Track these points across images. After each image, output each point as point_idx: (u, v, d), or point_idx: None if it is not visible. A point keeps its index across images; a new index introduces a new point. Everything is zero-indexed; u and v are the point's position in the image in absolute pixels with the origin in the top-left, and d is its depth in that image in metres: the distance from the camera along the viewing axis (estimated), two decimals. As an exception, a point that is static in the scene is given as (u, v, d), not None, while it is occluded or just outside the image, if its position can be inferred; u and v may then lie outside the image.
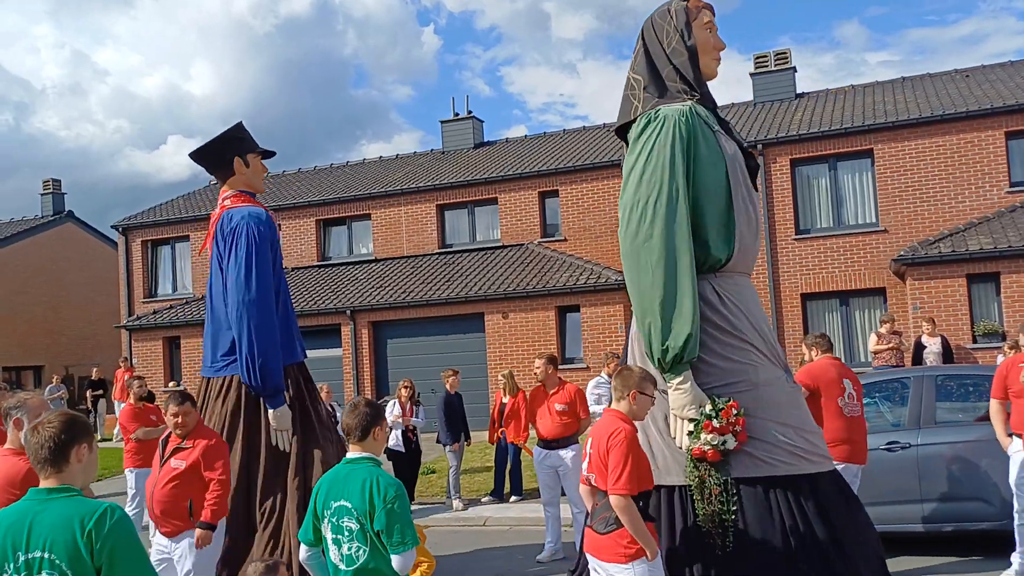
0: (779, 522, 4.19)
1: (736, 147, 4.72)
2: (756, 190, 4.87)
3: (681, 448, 4.39)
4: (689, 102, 4.57)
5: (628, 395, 4.09)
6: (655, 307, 4.32)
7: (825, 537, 4.19)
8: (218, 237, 6.45)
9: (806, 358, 6.55)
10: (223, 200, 6.73)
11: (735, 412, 4.28)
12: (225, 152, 6.72)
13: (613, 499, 3.85)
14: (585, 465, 4.16)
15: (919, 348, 13.24)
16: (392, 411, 10.94)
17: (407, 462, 11.07)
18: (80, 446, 2.85)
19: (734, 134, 4.79)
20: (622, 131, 4.89)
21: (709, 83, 4.88)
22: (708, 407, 4.32)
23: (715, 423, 4.23)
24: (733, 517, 4.25)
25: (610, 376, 8.47)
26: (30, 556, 2.68)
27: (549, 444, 7.93)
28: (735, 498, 4.24)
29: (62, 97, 73.39)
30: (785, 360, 4.69)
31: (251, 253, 6.17)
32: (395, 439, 10.93)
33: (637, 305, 4.45)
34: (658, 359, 4.37)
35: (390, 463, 10.73)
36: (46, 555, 2.67)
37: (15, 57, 75.20)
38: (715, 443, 4.23)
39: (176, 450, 5.09)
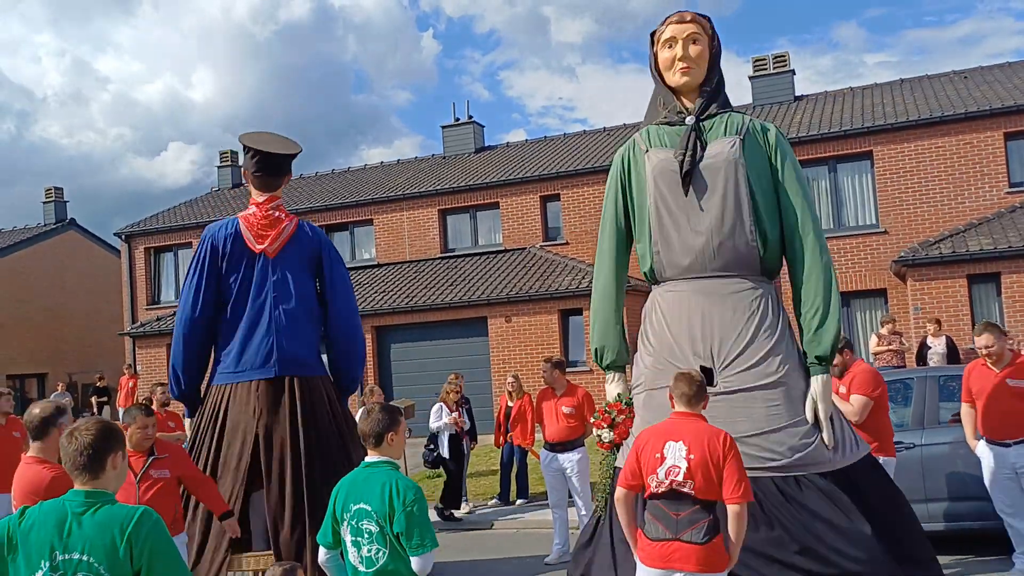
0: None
1: (663, 156, 4.84)
2: (713, 188, 4.77)
3: None
4: (642, 130, 5.09)
5: (705, 399, 4.05)
6: (592, 318, 5.25)
7: None
8: (304, 245, 6.60)
9: (848, 361, 6.56)
10: (279, 207, 6.67)
11: (613, 412, 4.89)
12: (282, 159, 6.79)
13: (735, 508, 3.76)
14: (667, 471, 3.87)
15: (924, 348, 13.30)
16: (440, 416, 10.55)
17: (457, 470, 10.43)
18: (116, 454, 2.95)
19: (689, 139, 4.77)
20: None
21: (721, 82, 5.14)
22: (605, 403, 4.97)
23: (595, 418, 4.93)
24: (604, 503, 4.88)
25: None
26: (68, 557, 2.77)
27: (555, 447, 8.00)
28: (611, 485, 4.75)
29: (64, 105, 73.57)
30: (729, 365, 4.61)
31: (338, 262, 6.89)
32: (441, 445, 10.42)
33: None
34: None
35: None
36: (84, 558, 2.76)
37: (17, 66, 75.42)
38: (598, 433, 4.94)
39: (153, 461, 5.17)
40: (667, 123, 4.95)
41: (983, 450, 6.37)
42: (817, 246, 4.80)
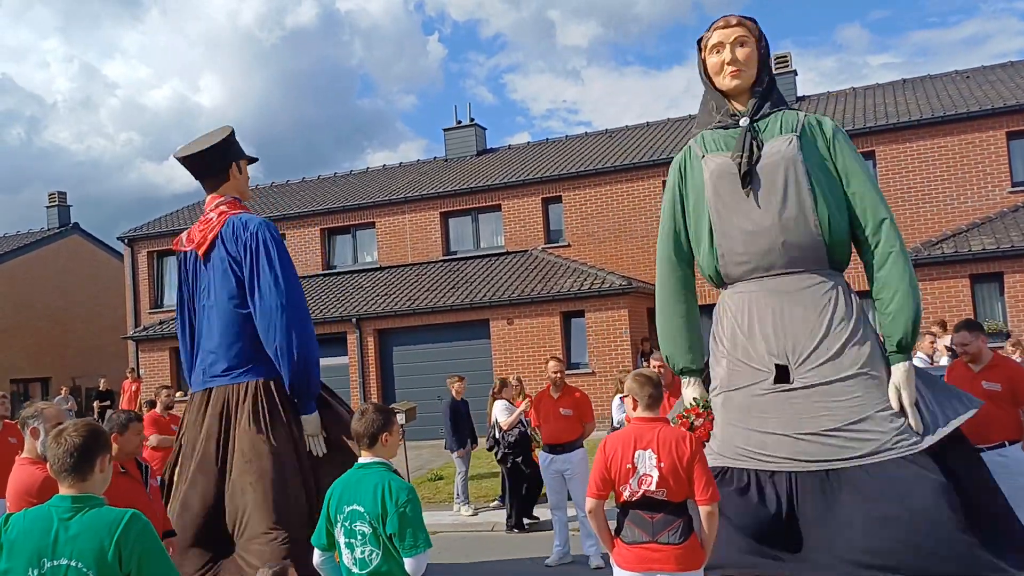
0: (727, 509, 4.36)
1: (721, 160, 4.84)
2: (774, 184, 4.73)
3: None
4: (699, 135, 5.08)
5: (662, 399, 4.13)
6: (659, 327, 5.17)
7: (768, 529, 4.32)
8: (228, 243, 6.34)
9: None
10: (218, 206, 6.53)
11: (691, 416, 4.80)
12: (226, 157, 6.62)
13: (706, 509, 3.86)
14: (639, 480, 3.91)
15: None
16: (504, 413, 9.89)
17: (534, 475, 9.48)
18: (104, 456, 2.92)
19: (745, 140, 4.79)
20: None
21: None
22: (687, 404, 4.91)
23: (680, 422, 4.80)
24: None
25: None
26: (56, 563, 2.74)
27: (555, 448, 7.98)
28: None
29: (73, 111, 73.88)
30: (807, 360, 4.55)
31: (286, 259, 6.28)
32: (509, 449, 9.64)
33: None
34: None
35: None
36: (73, 563, 2.73)
37: (26, 72, 75.77)
38: None
39: (145, 469, 5.06)
40: (721, 127, 4.96)
41: None
42: (892, 231, 4.74)
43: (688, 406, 4.87)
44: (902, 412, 4.43)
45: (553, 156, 21.54)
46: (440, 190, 20.84)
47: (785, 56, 21.03)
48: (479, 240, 20.95)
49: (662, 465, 3.89)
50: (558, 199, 19.84)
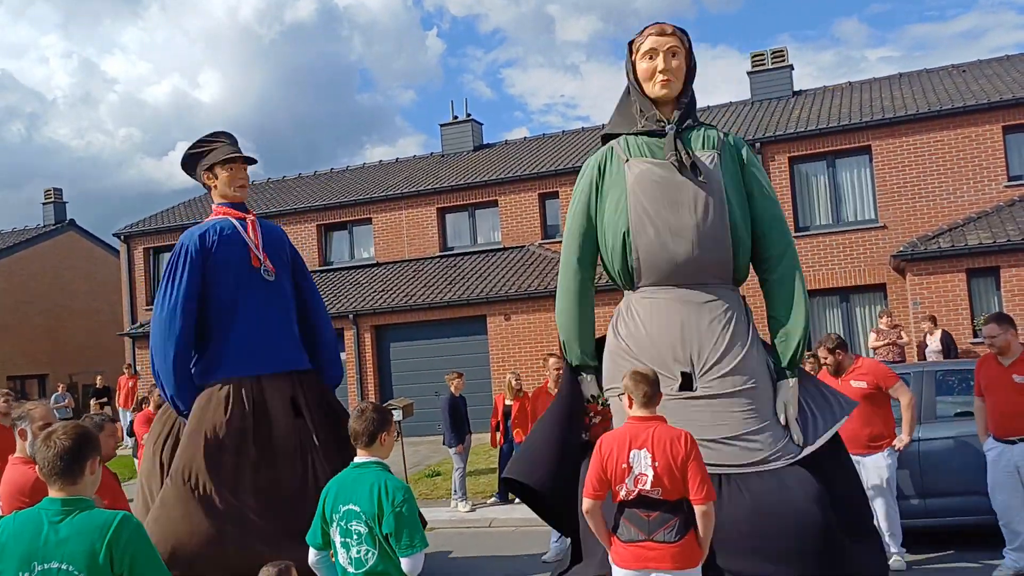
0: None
1: (652, 165, 4.90)
2: (699, 197, 4.84)
3: None
4: (621, 137, 5.14)
5: (659, 398, 4.11)
6: (557, 321, 5.35)
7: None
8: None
9: None
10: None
11: (590, 412, 5.02)
12: (194, 171, 6.79)
13: (701, 508, 3.86)
14: (635, 480, 3.91)
15: (924, 347, 13.28)
16: None
17: None
18: (94, 459, 2.90)
19: (677, 146, 4.87)
20: None
21: (702, 85, 5.13)
22: (588, 399, 5.08)
23: (585, 413, 5.04)
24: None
25: None
26: (47, 567, 2.72)
27: None
28: None
29: (73, 107, 73.77)
30: (709, 370, 4.72)
31: (166, 271, 6.55)
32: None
33: None
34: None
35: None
36: (64, 566, 2.71)
37: (26, 68, 75.64)
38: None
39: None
40: (645, 133, 5.02)
41: (989, 446, 6.34)
42: (793, 255, 5.06)
43: (591, 401, 5.06)
44: (787, 426, 4.74)
45: (550, 151, 21.52)
46: (437, 186, 20.81)
47: (781, 51, 21.03)
48: (476, 236, 20.94)
49: (657, 464, 3.90)
50: (555, 194, 19.82)
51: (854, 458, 6.64)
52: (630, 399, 4.09)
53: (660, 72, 4.93)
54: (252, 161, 6.81)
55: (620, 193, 4.95)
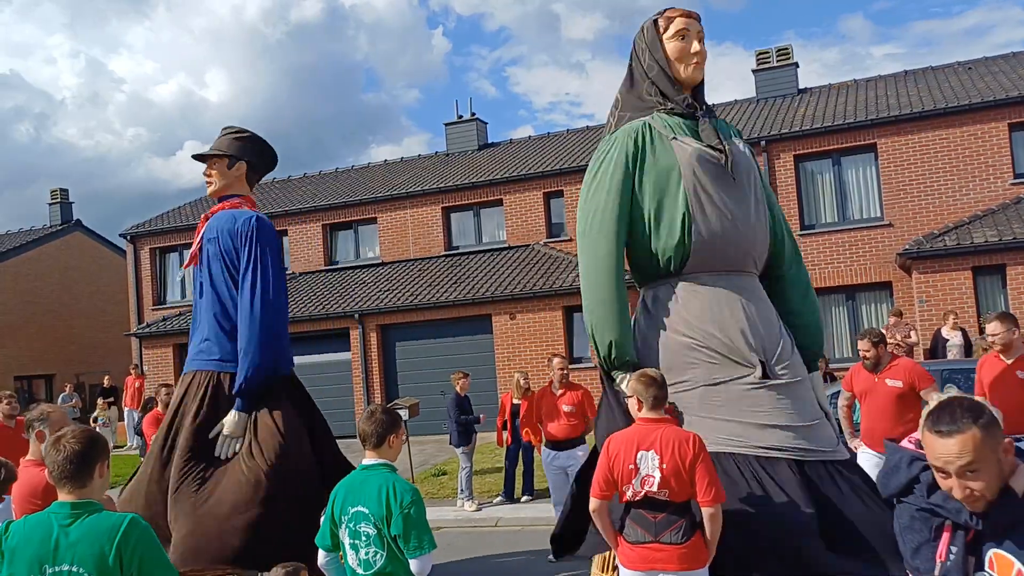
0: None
1: (700, 146, 4.66)
2: (748, 183, 4.76)
3: None
4: (649, 116, 4.80)
5: (666, 400, 4.08)
6: (588, 312, 4.70)
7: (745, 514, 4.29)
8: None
9: None
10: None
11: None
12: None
13: (709, 510, 3.82)
14: (642, 481, 3.88)
15: (940, 341, 13.24)
16: None
17: None
18: (103, 462, 2.93)
19: (717, 133, 4.72)
20: None
21: (708, 82, 5.03)
22: None
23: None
24: None
25: None
26: (57, 569, 2.75)
27: (559, 445, 8.01)
28: None
29: (81, 107, 74.07)
30: (776, 357, 4.60)
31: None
32: None
33: (584, 309, 4.83)
34: (602, 360, 4.73)
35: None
36: (74, 569, 2.75)
37: (33, 67, 75.95)
38: None
39: None
40: (679, 114, 4.79)
41: None
42: (798, 249, 5.08)
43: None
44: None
45: (554, 150, 21.53)
46: (441, 185, 20.84)
47: (786, 48, 21.00)
48: (481, 235, 20.96)
49: (664, 466, 3.86)
50: (560, 193, 19.84)
51: (883, 458, 6.65)
52: (639, 402, 4.04)
53: (694, 54, 4.78)
54: (200, 158, 6.35)
55: (672, 171, 4.60)
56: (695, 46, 4.80)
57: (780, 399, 4.46)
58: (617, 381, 4.65)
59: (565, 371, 8.24)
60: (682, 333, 4.64)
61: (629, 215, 4.68)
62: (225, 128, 6.44)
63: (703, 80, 4.98)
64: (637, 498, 3.95)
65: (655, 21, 4.93)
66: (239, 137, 6.27)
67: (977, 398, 6.37)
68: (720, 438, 4.37)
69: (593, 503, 4.06)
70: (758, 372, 4.50)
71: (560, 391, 8.17)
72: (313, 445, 5.89)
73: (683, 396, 4.54)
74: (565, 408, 8.01)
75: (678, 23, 4.83)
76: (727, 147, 4.66)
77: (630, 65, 5.08)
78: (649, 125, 4.76)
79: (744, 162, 4.78)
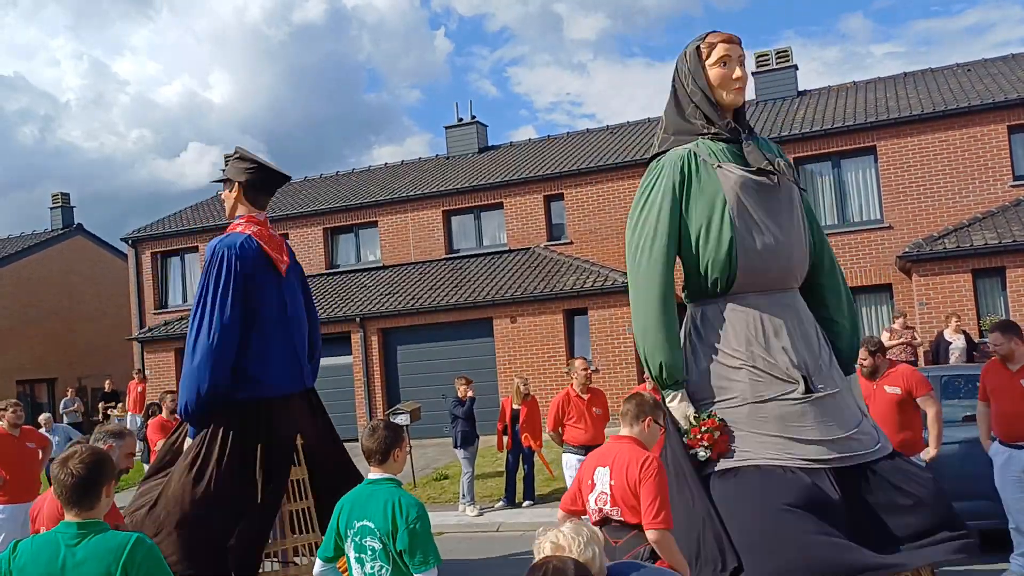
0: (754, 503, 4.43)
1: (747, 172, 4.86)
2: (792, 200, 4.96)
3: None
4: (695, 141, 4.98)
5: (643, 421, 4.05)
6: (640, 336, 4.89)
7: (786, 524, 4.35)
8: (297, 265, 6.71)
9: None
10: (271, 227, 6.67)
11: (706, 428, 4.62)
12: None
13: (653, 534, 3.69)
14: (596, 498, 3.84)
15: (942, 344, 13.26)
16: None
17: None
18: (110, 483, 2.98)
19: (763, 153, 4.90)
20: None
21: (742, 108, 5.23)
22: (692, 419, 4.70)
23: (688, 436, 4.65)
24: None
25: None
26: None
27: (589, 448, 8.02)
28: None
29: (85, 109, 74.17)
30: (817, 371, 4.75)
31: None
32: None
33: (635, 331, 5.04)
34: (655, 379, 4.93)
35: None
36: None
37: (36, 69, 76.08)
38: (694, 452, 4.64)
39: None
40: (723, 140, 4.96)
41: (995, 450, 6.39)
42: (834, 255, 5.27)
43: (698, 419, 4.67)
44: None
45: (555, 153, 21.56)
46: (442, 188, 20.87)
47: (786, 51, 21.04)
48: (482, 238, 21.00)
49: (613, 483, 3.82)
50: (560, 196, 19.87)
51: None
52: (621, 418, 4.09)
53: (736, 80, 4.93)
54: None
55: (716, 198, 4.81)
56: (737, 71, 4.94)
57: (823, 412, 4.63)
58: (668, 400, 4.82)
59: (589, 373, 8.33)
60: (728, 352, 4.81)
61: (679, 240, 4.92)
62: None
63: (744, 101, 5.13)
64: (595, 517, 3.90)
65: (698, 47, 5.07)
66: (232, 159, 6.60)
67: (979, 404, 6.41)
68: (768, 454, 4.52)
69: (559, 515, 4.07)
70: (801, 388, 4.64)
71: (587, 394, 8.27)
72: (320, 456, 6.29)
73: (731, 412, 4.69)
74: (596, 411, 8.12)
75: (720, 49, 4.95)
76: (778, 165, 4.83)
77: (674, 87, 5.23)
78: (694, 153, 4.96)
79: (786, 184, 4.94)
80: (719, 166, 4.88)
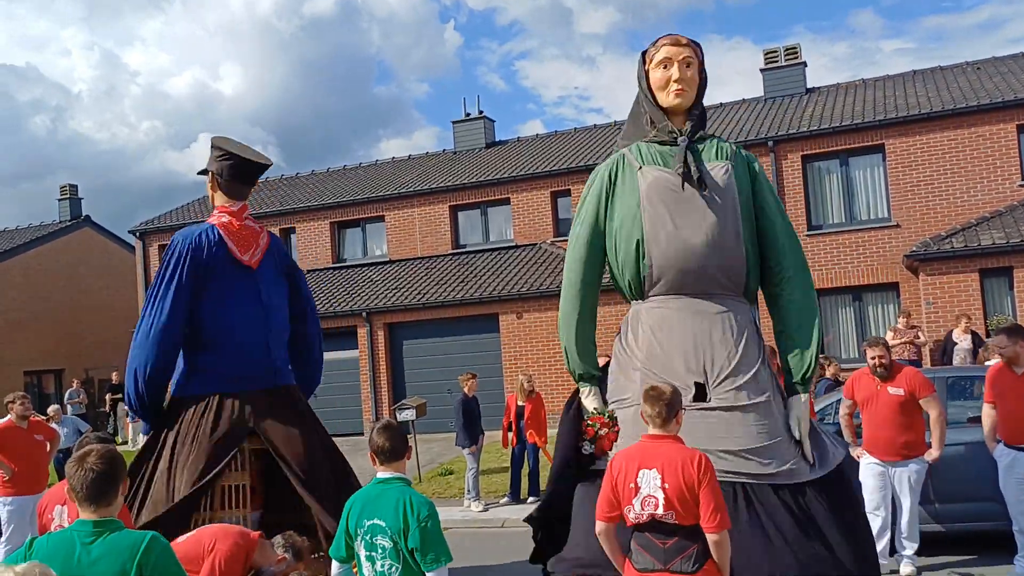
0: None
1: (663, 173, 4.85)
2: (722, 203, 4.82)
3: None
4: (627, 147, 5.09)
5: (676, 417, 3.90)
6: (559, 332, 5.15)
7: None
8: (278, 257, 6.52)
9: None
10: (248, 218, 6.44)
11: (591, 423, 4.78)
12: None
13: (714, 536, 3.66)
14: (643, 502, 3.75)
15: (949, 344, 13.24)
16: None
17: None
18: (124, 481, 3.02)
19: (686, 158, 4.83)
20: None
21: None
22: (586, 416, 4.84)
23: (584, 430, 4.80)
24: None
25: None
26: None
27: None
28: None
29: (96, 101, 74.37)
30: (722, 382, 4.65)
31: None
32: None
33: None
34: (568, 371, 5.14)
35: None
36: None
37: (48, 60, 76.29)
38: (578, 445, 4.79)
39: None
40: (658, 142, 5.02)
41: (1000, 452, 6.40)
42: (805, 272, 5.00)
43: (592, 414, 4.81)
44: (798, 442, 4.67)
45: (562, 148, 21.55)
46: (449, 183, 20.89)
47: (795, 47, 20.98)
48: (488, 233, 21.01)
49: (667, 486, 3.71)
50: (567, 192, 19.87)
51: (887, 466, 6.72)
52: (643, 417, 3.94)
53: (674, 81, 4.94)
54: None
55: (633, 200, 4.89)
56: (675, 73, 4.94)
57: (709, 422, 4.49)
58: (581, 393, 4.99)
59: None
60: (631, 354, 4.92)
61: (600, 244, 5.06)
62: None
63: (701, 104, 5.10)
64: (641, 521, 3.79)
65: (645, 51, 5.13)
66: (211, 149, 6.51)
67: (985, 406, 6.40)
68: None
69: (598, 526, 3.93)
70: (690, 395, 4.57)
71: None
72: (315, 455, 6.14)
73: (622, 413, 4.78)
74: None
75: (663, 52, 4.99)
76: (692, 169, 4.78)
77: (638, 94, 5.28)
78: (624, 157, 5.05)
79: (710, 186, 4.84)
80: (640, 168, 4.93)
